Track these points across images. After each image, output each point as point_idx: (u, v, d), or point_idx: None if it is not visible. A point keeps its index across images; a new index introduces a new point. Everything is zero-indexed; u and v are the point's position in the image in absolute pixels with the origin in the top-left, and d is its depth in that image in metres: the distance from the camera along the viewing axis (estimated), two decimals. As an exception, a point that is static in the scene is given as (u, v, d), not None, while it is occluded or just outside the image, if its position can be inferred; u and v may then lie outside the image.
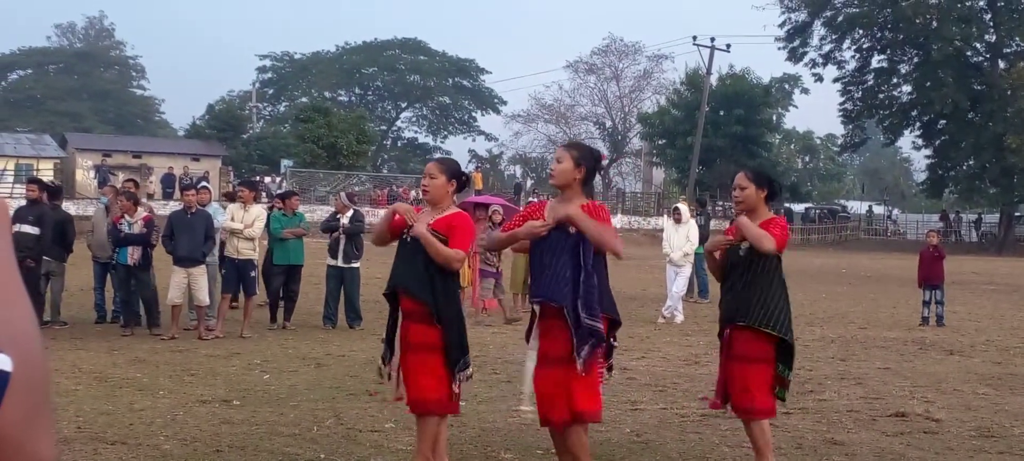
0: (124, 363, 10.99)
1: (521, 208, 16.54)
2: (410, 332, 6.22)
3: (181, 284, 13.15)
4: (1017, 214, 57.08)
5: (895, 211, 73.75)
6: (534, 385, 5.96)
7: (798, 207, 64.74)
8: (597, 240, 5.83)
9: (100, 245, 14.34)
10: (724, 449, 6.69)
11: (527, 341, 6.20)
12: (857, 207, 72.17)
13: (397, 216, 6.44)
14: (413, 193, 51.04)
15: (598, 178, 6.62)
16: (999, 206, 56.44)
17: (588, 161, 6.02)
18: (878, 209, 72.67)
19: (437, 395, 6.10)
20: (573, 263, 5.80)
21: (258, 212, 14.12)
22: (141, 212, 13.56)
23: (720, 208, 52.45)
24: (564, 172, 5.98)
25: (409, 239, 6.34)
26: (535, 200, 18.26)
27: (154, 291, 13.67)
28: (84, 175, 50.41)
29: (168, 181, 45.30)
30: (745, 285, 6.34)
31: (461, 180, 6.61)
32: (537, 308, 6.05)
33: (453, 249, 6.22)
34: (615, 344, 6.15)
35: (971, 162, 57.50)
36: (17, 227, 12.89)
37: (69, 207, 18.80)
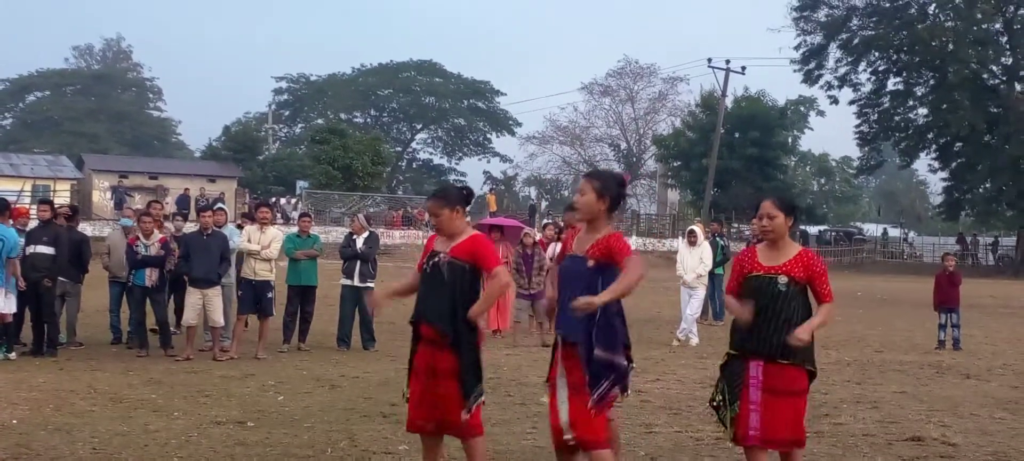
0: (139, 384, 11.01)
1: (536, 232, 16.60)
2: (432, 358, 6.31)
3: (196, 305, 13.19)
4: (1034, 237, 56.79)
5: (911, 234, 73.48)
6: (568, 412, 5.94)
7: (813, 229, 64.57)
8: (627, 292, 5.86)
9: (118, 266, 14.39)
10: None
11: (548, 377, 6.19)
12: (873, 230, 71.93)
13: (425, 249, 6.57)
14: (428, 215, 51.02)
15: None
16: (1016, 229, 56.17)
17: (611, 190, 6.02)
18: (894, 232, 72.41)
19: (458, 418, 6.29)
20: (586, 296, 5.80)
21: (275, 234, 14.15)
22: (158, 234, 13.63)
23: (735, 230, 52.35)
24: (588, 205, 6.00)
25: (430, 269, 6.39)
26: (551, 225, 18.21)
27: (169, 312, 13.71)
28: (101, 196, 50.64)
29: (183, 202, 45.45)
30: (785, 321, 6.14)
31: (466, 199, 6.67)
32: (560, 339, 6.06)
33: (492, 273, 6.33)
34: (633, 366, 6.13)
35: (988, 185, 57.30)
36: (32, 248, 12.95)
37: (85, 228, 18.86)
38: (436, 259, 6.41)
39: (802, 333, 6.07)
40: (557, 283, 6.16)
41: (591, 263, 5.89)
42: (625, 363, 5.94)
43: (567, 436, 5.83)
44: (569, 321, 5.86)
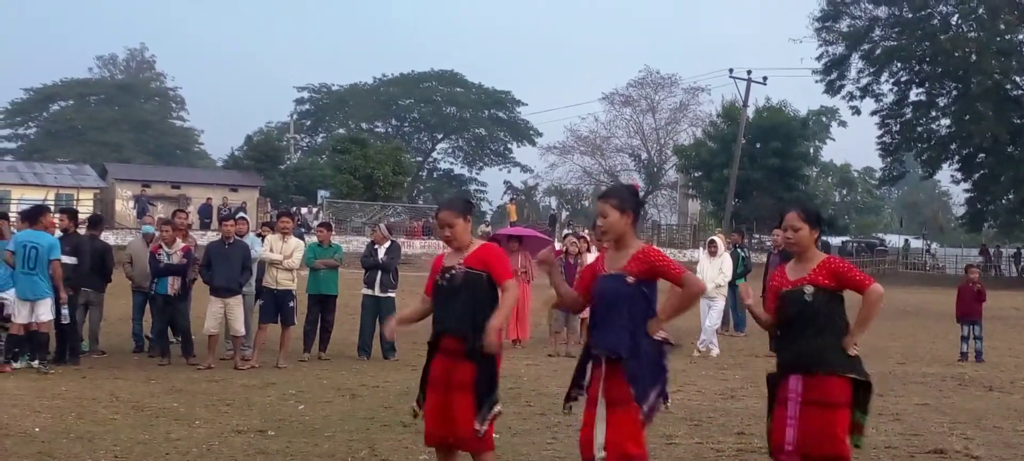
0: (161, 392, 11.06)
1: (561, 246, 16.58)
2: (448, 371, 6.33)
3: (217, 314, 13.24)
4: (1058, 249, 56.45)
5: (933, 245, 73.08)
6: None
7: (835, 240, 64.20)
8: (683, 309, 5.97)
9: (142, 275, 14.47)
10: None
11: (576, 389, 6.15)
12: (895, 241, 71.57)
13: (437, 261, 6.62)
14: (441, 228, 50.99)
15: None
16: (1039, 241, 55.85)
17: (631, 203, 6.03)
18: (916, 243, 72.00)
19: (470, 431, 6.28)
20: (630, 313, 5.84)
21: (296, 243, 14.19)
22: (180, 243, 13.70)
23: (756, 240, 52.19)
24: (614, 225, 5.99)
25: (445, 282, 6.42)
26: (573, 235, 18.22)
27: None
28: (124, 205, 50.90)
29: (205, 211, 45.65)
30: (817, 332, 6.09)
31: (471, 209, 6.77)
32: (601, 357, 5.96)
33: (505, 285, 6.39)
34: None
35: (1011, 196, 56.93)
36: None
37: (108, 237, 18.98)
38: (451, 272, 6.43)
39: (848, 342, 6.07)
40: (592, 303, 6.12)
41: (631, 279, 5.88)
42: (668, 373, 5.95)
43: (599, 454, 5.78)
44: (612, 337, 5.85)
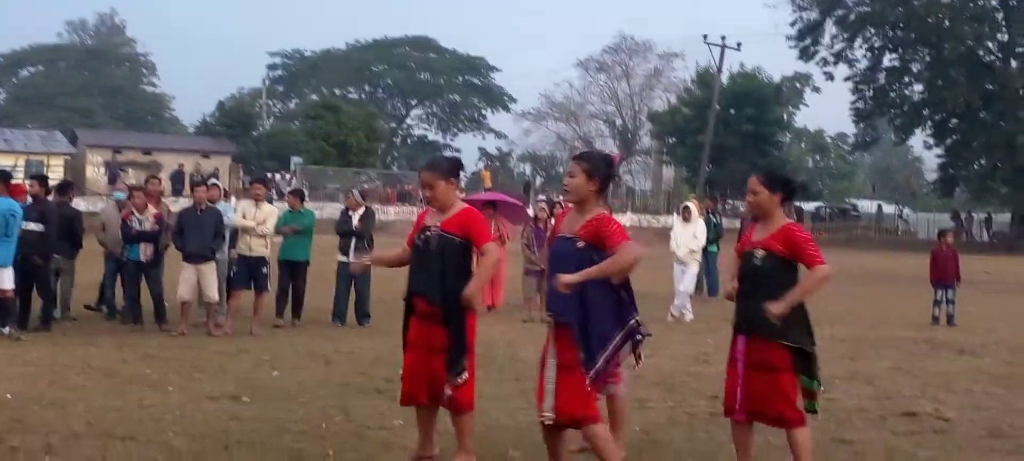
0: (133, 359, 11.00)
1: (530, 208, 16.64)
2: (426, 334, 6.42)
3: (190, 280, 13.16)
4: (1029, 213, 56.85)
5: (906, 210, 73.52)
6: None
7: (809, 206, 64.54)
8: (618, 273, 5.87)
9: (114, 241, 14.35)
10: (732, 448, 6.66)
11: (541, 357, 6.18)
12: (867, 206, 71.93)
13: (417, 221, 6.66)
14: (422, 189, 50.90)
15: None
16: (1011, 205, 56.24)
17: (601, 170, 6.00)
18: (888, 208, 72.40)
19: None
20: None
21: (270, 209, 14.12)
22: (152, 209, 13.60)
23: (730, 206, 52.35)
24: (578, 187, 5.98)
25: (421, 243, 6.44)
26: (544, 202, 18.24)
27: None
28: (94, 171, 50.52)
29: (178, 178, 45.35)
30: (764, 296, 6.14)
31: (457, 171, 6.76)
32: (551, 320, 6.04)
33: (484, 249, 6.47)
34: (642, 335, 6.17)
35: (982, 161, 57.38)
36: (22, 225, 12.85)
37: (79, 203, 18.81)
38: (427, 233, 6.45)
39: (773, 307, 6.05)
40: (549, 261, 6.16)
41: (581, 244, 5.90)
42: (620, 340, 5.94)
43: (547, 414, 5.86)
44: (560, 301, 5.86)
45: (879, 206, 70.64)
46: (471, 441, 6.59)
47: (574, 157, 6.26)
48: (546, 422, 5.91)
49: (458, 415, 6.50)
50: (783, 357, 6.17)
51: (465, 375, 6.41)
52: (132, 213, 13.54)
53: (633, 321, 6.05)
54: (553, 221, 16.29)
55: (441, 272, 6.34)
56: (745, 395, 6.24)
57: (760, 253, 6.25)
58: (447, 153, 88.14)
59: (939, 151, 61.24)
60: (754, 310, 6.17)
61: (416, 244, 6.55)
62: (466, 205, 6.67)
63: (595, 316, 5.82)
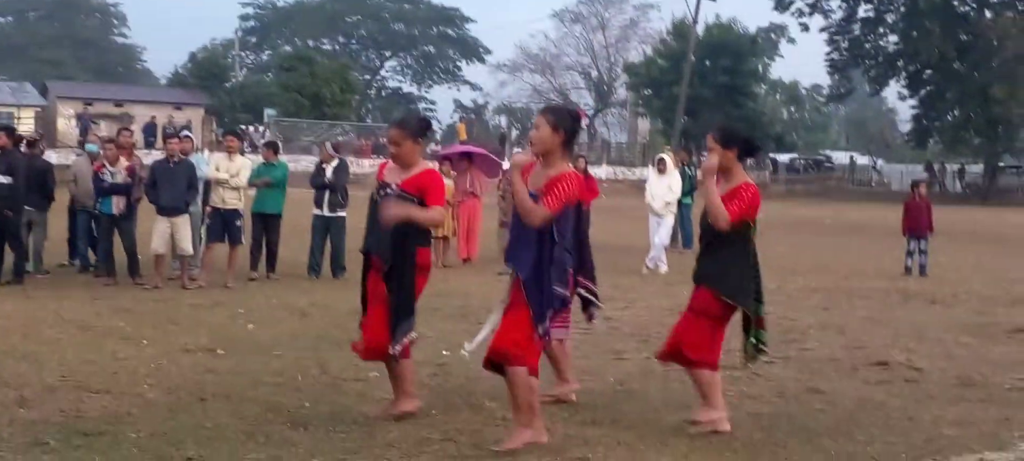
0: (107, 312, 10.95)
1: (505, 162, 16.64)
2: (380, 286, 6.48)
3: (164, 233, 13.09)
4: (1001, 164, 57.27)
5: (879, 161, 73.87)
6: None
7: (783, 157, 64.77)
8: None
9: (86, 194, 14.24)
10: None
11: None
12: (841, 158, 72.18)
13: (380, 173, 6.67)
14: (389, 144, 50.70)
15: (583, 130, 6.58)
16: (983, 157, 56.58)
17: (566, 124, 5.97)
18: (862, 159, 72.69)
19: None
20: (538, 235, 5.82)
21: (243, 162, 14.04)
22: (124, 162, 13.48)
23: (705, 158, 52.38)
24: (542, 139, 5.95)
25: (379, 198, 6.43)
26: (520, 152, 18.25)
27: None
28: (66, 123, 50.06)
29: (150, 130, 45.00)
30: (713, 248, 6.41)
31: (425, 130, 6.76)
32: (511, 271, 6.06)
33: (433, 209, 6.43)
34: (595, 304, 6.66)
35: (956, 112, 57.63)
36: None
37: (50, 156, 18.62)
38: (387, 190, 6.44)
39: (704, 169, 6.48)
40: (513, 221, 6.16)
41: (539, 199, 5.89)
42: (568, 295, 6.07)
43: (469, 346, 6.11)
44: (516, 255, 5.93)
45: (851, 158, 70.86)
46: (410, 385, 6.63)
47: (541, 110, 6.25)
48: (465, 355, 6.17)
49: (397, 362, 6.55)
50: (712, 304, 6.37)
51: (413, 334, 6.48)
52: (104, 166, 13.42)
53: (583, 289, 6.49)
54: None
55: (393, 231, 6.33)
56: (670, 334, 6.58)
57: None
58: (422, 106, 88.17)
59: (913, 102, 61.49)
60: (703, 261, 6.50)
61: (374, 199, 6.58)
62: (428, 166, 6.67)
63: (546, 273, 5.81)
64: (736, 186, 6.38)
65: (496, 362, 5.94)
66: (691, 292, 6.51)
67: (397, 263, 6.35)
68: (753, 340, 6.51)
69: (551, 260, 5.81)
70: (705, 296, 6.38)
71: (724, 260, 6.36)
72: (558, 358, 7.17)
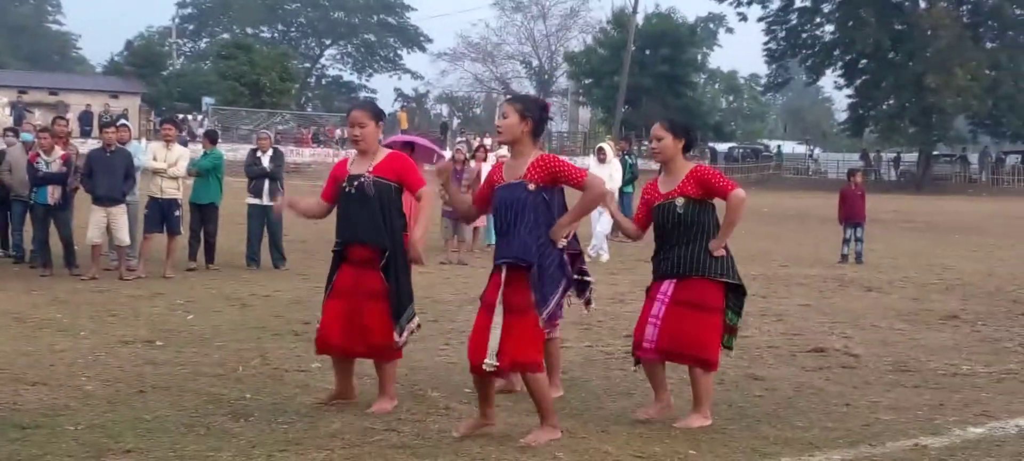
0: (43, 303, 10.80)
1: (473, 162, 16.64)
2: (360, 280, 6.39)
3: (101, 223, 12.93)
4: (935, 153, 58.08)
5: (816, 150, 74.61)
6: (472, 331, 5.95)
7: (722, 146, 65.23)
8: (588, 211, 5.99)
9: (20, 183, 14.01)
10: (648, 386, 6.77)
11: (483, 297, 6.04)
12: (788, 149, 72.67)
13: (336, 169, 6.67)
14: (338, 132, 50.49)
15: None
16: (918, 145, 57.36)
17: (533, 113, 5.96)
18: (799, 149, 73.34)
19: (388, 341, 6.40)
20: (535, 221, 5.81)
21: (181, 151, 13.92)
22: (59, 151, 13.28)
23: (645, 147, 52.66)
24: (510, 127, 5.92)
25: (354, 190, 6.38)
26: (463, 143, 18.23)
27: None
28: (0, 112, 49.13)
29: (86, 119, 44.32)
30: (690, 239, 6.28)
31: (383, 118, 6.78)
32: (504, 269, 5.86)
33: (420, 194, 6.46)
34: (591, 280, 6.57)
35: (891, 102, 58.23)
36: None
37: (-16, 145, 18.26)
38: (360, 180, 6.38)
39: (714, 246, 6.27)
40: (496, 215, 6.06)
41: (532, 186, 5.84)
42: (567, 282, 5.96)
43: (490, 362, 5.72)
44: (518, 246, 5.78)
45: (778, 147, 71.13)
46: (393, 387, 6.62)
47: (507, 100, 6.24)
48: (488, 370, 5.74)
49: (385, 362, 6.53)
50: (718, 296, 6.32)
51: (416, 320, 6.50)
52: (39, 155, 13.22)
53: (578, 267, 6.38)
54: (473, 164, 16.57)
55: (383, 217, 6.34)
56: (666, 333, 6.31)
57: (680, 201, 6.32)
58: (363, 94, 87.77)
59: (849, 92, 62.07)
60: (685, 254, 6.31)
61: (347, 192, 6.45)
62: (391, 150, 6.65)
63: (549, 258, 5.81)
64: (692, 169, 6.38)
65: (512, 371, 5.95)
66: (671, 287, 6.34)
67: (394, 250, 6.35)
68: (734, 321, 6.50)
69: (548, 246, 5.81)
70: (707, 287, 6.28)
71: (709, 248, 6.30)
72: (550, 355, 6.98)
